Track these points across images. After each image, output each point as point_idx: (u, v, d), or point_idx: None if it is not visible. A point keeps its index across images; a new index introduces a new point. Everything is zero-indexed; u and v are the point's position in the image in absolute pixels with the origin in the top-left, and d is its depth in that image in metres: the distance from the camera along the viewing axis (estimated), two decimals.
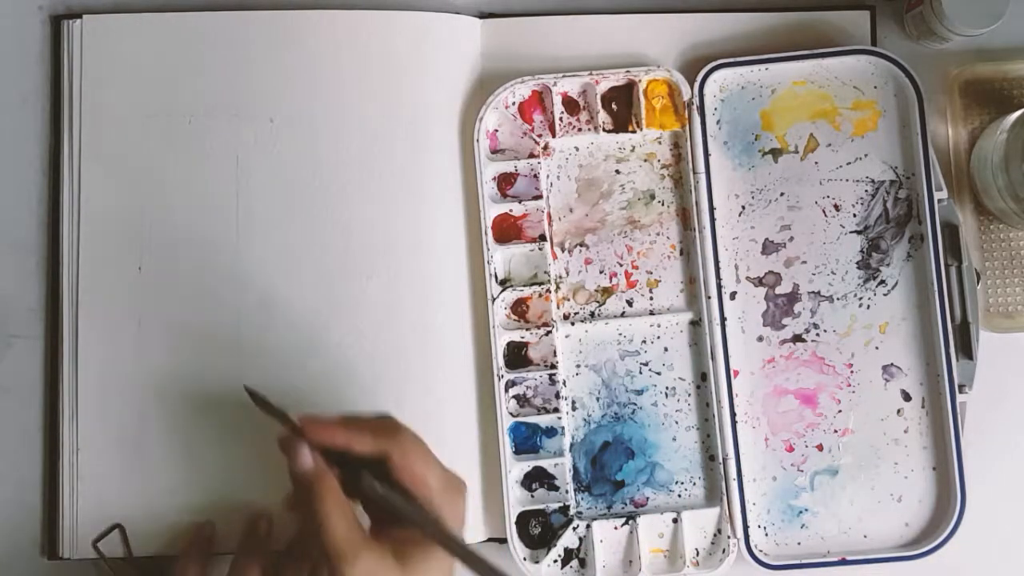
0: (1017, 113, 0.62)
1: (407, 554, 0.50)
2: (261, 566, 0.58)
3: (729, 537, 0.62)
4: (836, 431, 0.63)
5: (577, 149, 0.64)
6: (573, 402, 0.63)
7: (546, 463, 0.62)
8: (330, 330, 0.62)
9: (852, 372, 0.63)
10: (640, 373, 0.63)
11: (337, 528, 0.49)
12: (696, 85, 0.63)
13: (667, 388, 0.63)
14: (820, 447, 0.63)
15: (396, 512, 0.50)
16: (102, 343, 0.61)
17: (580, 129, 0.64)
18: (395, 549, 0.50)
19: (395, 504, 0.50)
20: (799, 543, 0.63)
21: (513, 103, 0.64)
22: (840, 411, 0.63)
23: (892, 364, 0.63)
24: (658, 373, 0.63)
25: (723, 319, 0.63)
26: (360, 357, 0.62)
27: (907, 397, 0.63)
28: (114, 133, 0.62)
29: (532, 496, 0.62)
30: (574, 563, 0.62)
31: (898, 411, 0.63)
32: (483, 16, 0.65)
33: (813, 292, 0.64)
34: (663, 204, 0.64)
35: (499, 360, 0.62)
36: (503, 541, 0.62)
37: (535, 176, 0.64)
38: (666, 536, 0.62)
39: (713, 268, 0.63)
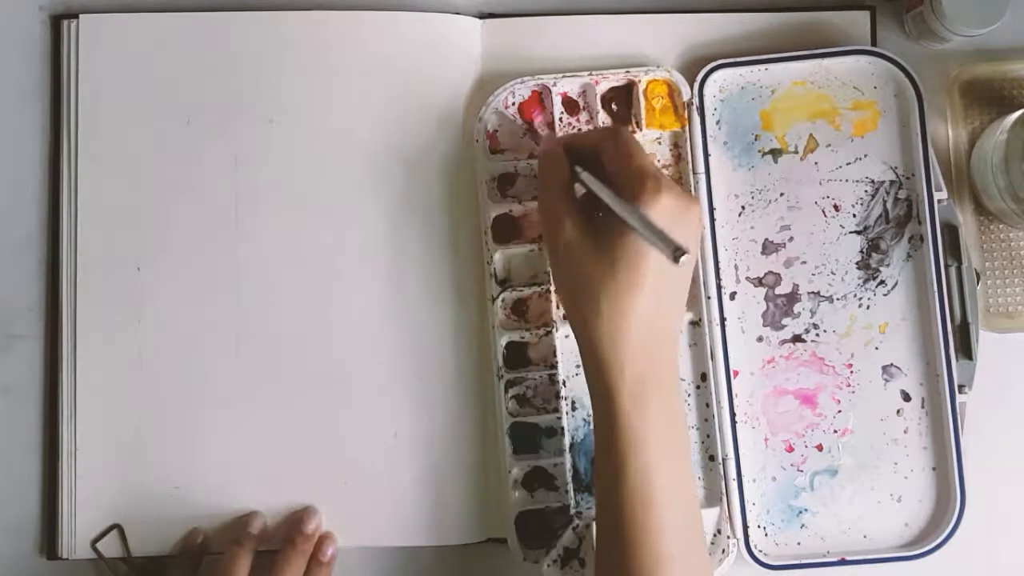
0: (1017, 113, 0.62)
1: (608, 237, 0.53)
2: (250, 560, 0.58)
3: (729, 537, 0.62)
4: (836, 431, 0.63)
5: None
6: (573, 402, 0.63)
7: (546, 463, 0.62)
8: (329, 330, 0.62)
9: (852, 372, 0.63)
10: None
11: (547, 194, 0.56)
12: (696, 85, 0.63)
13: None
14: (820, 447, 0.63)
15: (601, 198, 0.53)
16: (102, 343, 0.61)
17: (580, 129, 0.64)
18: (598, 229, 0.53)
19: (597, 187, 0.53)
20: (799, 543, 0.63)
21: (513, 103, 0.64)
22: (840, 411, 0.63)
23: (892, 364, 0.63)
24: None
25: (723, 319, 0.63)
26: (359, 357, 0.62)
27: (907, 397, 0.63)
28: (113, 133, 0.62)
29: (532, 496, 0.62)
30: (574, 563, 0.62)
31: (898, 411, 0.63)
32: (483, 16, 0.65)
33: (813, 292, 0.64)
34: None
35: (499, 360, 0.62)
36: (503, 541, 0.62)
37: (535, 176, 0.64)
38: None
39: (713, 268, 0.63)
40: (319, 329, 0.62)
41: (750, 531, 0.62)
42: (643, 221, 0.50)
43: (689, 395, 0.63)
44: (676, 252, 0.49)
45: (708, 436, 0.63)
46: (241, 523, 0.60)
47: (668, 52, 0.65)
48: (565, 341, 0.63)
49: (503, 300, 0.63)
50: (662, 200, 0.52)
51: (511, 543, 0.61)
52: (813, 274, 0.64)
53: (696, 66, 0.64)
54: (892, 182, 0.64)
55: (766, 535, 0.63)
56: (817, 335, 0.64)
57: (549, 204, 0.55)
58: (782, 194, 0.64)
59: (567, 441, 0.63)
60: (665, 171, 0.64)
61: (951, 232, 0.63)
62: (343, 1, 0.64)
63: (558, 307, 0.64)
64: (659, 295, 0.53)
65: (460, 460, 0.62)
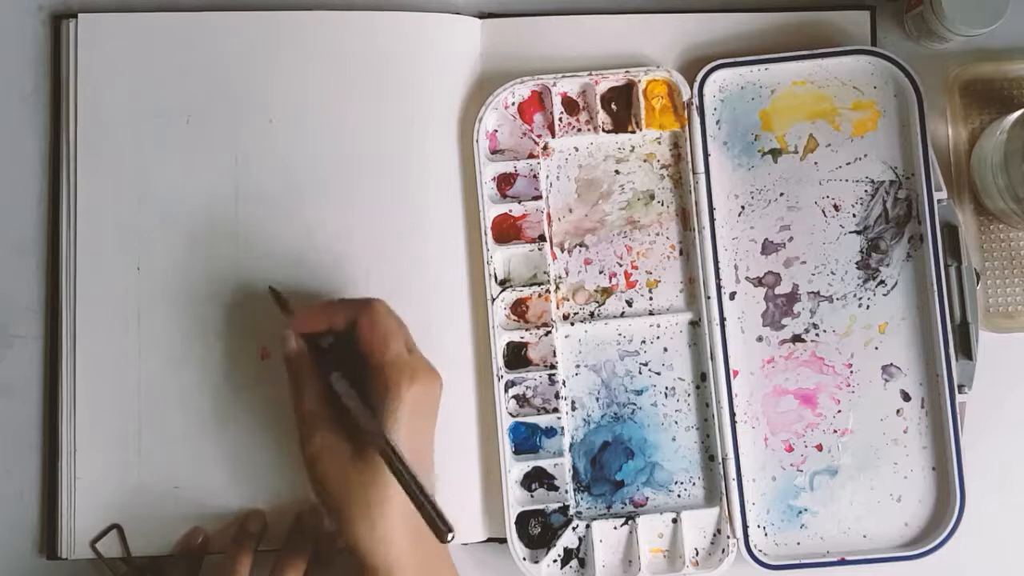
0: (1017, 113, 0.62)
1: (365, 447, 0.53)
2: (250, 560, 0.58)
3: (728, 537, 0.62)
4: (836, 431, 0.63)
5: (577, 149, 0.64)
6: (573, 402, 0.63)
7: (546, 463, 0.62)
8: None
9: (852, 372, 0.63)
10: (640, 373, 0.63)
11: (303, 402, 0.55)
12: (696, 85, 0.63)
13: (667, 388, 0.63)
14: (819, 447, 0.63)
15: (350, 409, 0.53)
16: (101, 343, 0.61)
17: (580, 129, 0.64)
18: (353, 432, 0.54)
19: (348, 400, 0.53)
20: (798, 543, 0.63)
21: (513, 103, 0.64)
22: (839, 411, 0.63)
23: (892, 364, 0.63)
24: (658, 373, 0.63)
25: (723, 319, 0.63)
26: None
27: (907, 397, 0.63)
28: (113, 133, 0.62)
29: (532, 496, 0.62)
30: (574, 563, 0.62)
31: (897, 411, 0.63)
32: (483, 16, 0.65)
33: (812, 292, 0.64)
34: (663, 204, 0.64)
35: (499, 360, 0.62)
36: (503, 541, 0.62)
37: (535, 176, 0.64)
38: (666, 536, 0.62)
39: (713, 268, 0.63)
40: None
41: (750, 531, 0.62)
42: (415, 486, 0.50)
43: (689, 395, 0.63)
44: (444, 532, 0.49)
45: (708, 436, 0.63)
46: (241, 523, 0.60)
47: (668, 52, 0.65)
48: (565, 341, 0.64)
49: (503, 300, 0.63)
50: (407, 394, 0.53)
51: (511, 543, 0.61)
52: (813, 274, 0.64)
53: (696, 66, 0.64)
54: (892, 182, 0.64)
55: (766, 535, 0.63)
56: (817, 335, 0.64)
57: (300, 413, 0.55)
58: (782, 194, 0.64)
59: (567, 441, 0.63)
60: (665, 171, 0.64)
61: (951, 232, 0.63)
62: (343, 1, 0.64)
63: (558, 307, 0.64)
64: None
65: (460, 460, 0.62)
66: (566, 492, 0.62)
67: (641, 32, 0.65)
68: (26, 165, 0.63)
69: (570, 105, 0.64)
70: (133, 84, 0.63)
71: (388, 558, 0.53)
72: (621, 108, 0.65)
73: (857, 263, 0.64)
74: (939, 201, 0.63)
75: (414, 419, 0.53)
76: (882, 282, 0.64)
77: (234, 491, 0.61)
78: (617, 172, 0.64)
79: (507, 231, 0.64)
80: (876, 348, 0.63)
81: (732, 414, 0.62)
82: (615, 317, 0.64)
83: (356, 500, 0.52)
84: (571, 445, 0.63)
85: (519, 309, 0.64)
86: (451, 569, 0.57)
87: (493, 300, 0.62)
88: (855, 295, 0.64)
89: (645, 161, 0.64)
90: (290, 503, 0.61)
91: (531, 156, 0.64)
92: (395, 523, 0.52)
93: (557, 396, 0.63)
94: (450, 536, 0.49)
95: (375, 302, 0.56)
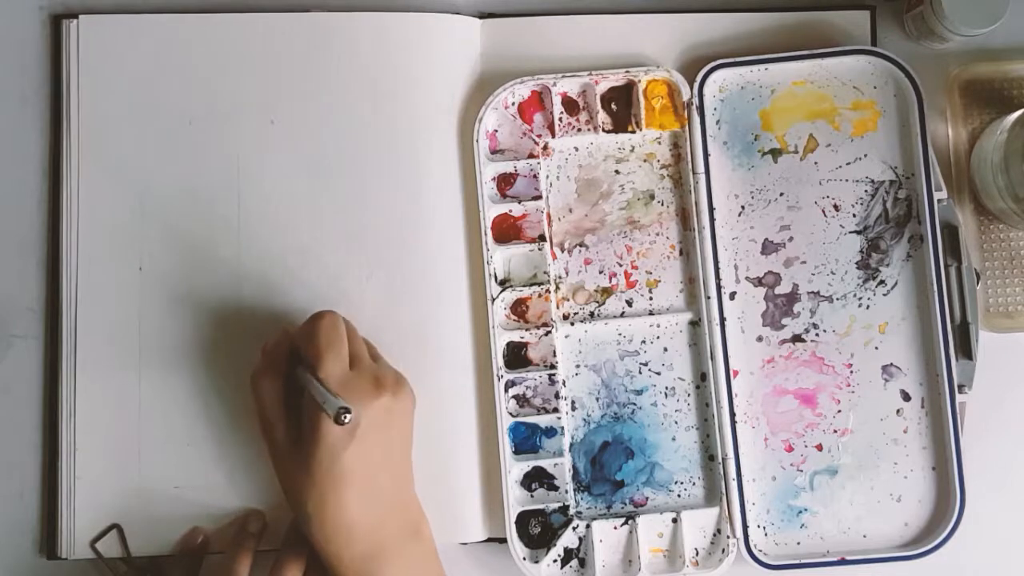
0: (1017, 113, 0.62)
1: (307, 443, 0.54)
2: (250, 560, 0.58)
3: (728, 537, 0.62)
4: (835, 431, 0.63)
5: (577, 149, 0.64)
6: (573, 402, 0.63)
7: (546, 463, 0.62)
8: None
9: (851, 372, 0.63)
10: (640, 373, 0.63)
11: (263, 398, 0.56)
12: (696, 85, 0.63)
13: (666, 388, 0.63)
14: (819, 447, 0.63)
15: (305, 388, 0.55)
16: (102, 343, 0.61)
17: (580, 129, 0.64)
18: (302, 437, 0.55)
19: (302, 381, 0.55)
20: (798, 543, 0.63)
21: (513, 103, 0.64)
22: (839, 411, 0.63)
23: (892, 364, 0.63)
24: (657, 373, 0.63)
25: (722, 319, 0.63)
26: None
27: (907, 397, 0.63)
28: (114, 133, 0.62)
29: (532, 496, 0.62)
30: (574, 563, 0.62)
31: (897, 411, 0.63)
32: (483, 16, 0.65)
33: (812, 292, 0.64)
34: (663, 204, 0.64)
35: (499, 360, 0.62)
36: (503, 541, 0.62)
37: (535, 176, 0.64)
38: (665, 536, 0.62)
39: (713, 268, 0.63)
40: None
41: (750, 531, 0.62)
42: (315, 386, 0.53)
43: (689, 395, 0.63)
44: (340, 412, 0.51)
45: (708, 436, 0.63)
46: (241, 523, 0.60)
47: (668, 52, 0.65)
48: (565, 341, 0.64)
49: (503, 300, 0.63)
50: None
51: (511, 543, 0.61)
52: (813, 274, 0.64)
53: (696, 66, 0.64)
54: (892, 182, 0.64)
55: (766, 535, 0.63)
56: (817, 335, 0.64)
57: (266, 408, 0.56)
58: (782, 194, 0.64)
59: (567, 441, 0.63)
60: (665, 171, 0.64)
61: (951, 232, 0.63)
62: (343, 2, 0.64)
63: (558, 307, 0.64)
64: (362, 481, 0.54)
65: (460, 460, 0.62)
66: (566, 492, 0.62)
67: (641, 32, 0.65)
68: (26, 165, 0.63)
69: (570, 105, 0.64)
70: (134, 85, 0.63)
71: (343, 552, 0.54)
72: (621, 108, 0.65)
73: (857, 263, 0.64)
74: (939, 201, 0.63)
75: (368, 436, 0.54)
76: (882, 282, 0.64)
77: (234, 491, 0.61)
78: (617, 172, 0.64)
79: (507, 231, 0.64)
80: (876, 348, 0.63)
81: (732, 414, 0.62)
82: (615, 317, 0.64)
83: (299, 500, 0.54)
84: (571, 445, 0.63)
85: (519, 309, 0.64)
86: (430, 566, 0.57)
87: (493, 300, 0.62)
88: (855, 295, 0.64)
89: (645, 161, 0.64)
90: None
91: (531, 156, 0.64)
92: (336, 517, 0.54)
93: (557, 396, 0.63)
94: (345, 417, 0.51)
95: (318, 316, 0.56)
